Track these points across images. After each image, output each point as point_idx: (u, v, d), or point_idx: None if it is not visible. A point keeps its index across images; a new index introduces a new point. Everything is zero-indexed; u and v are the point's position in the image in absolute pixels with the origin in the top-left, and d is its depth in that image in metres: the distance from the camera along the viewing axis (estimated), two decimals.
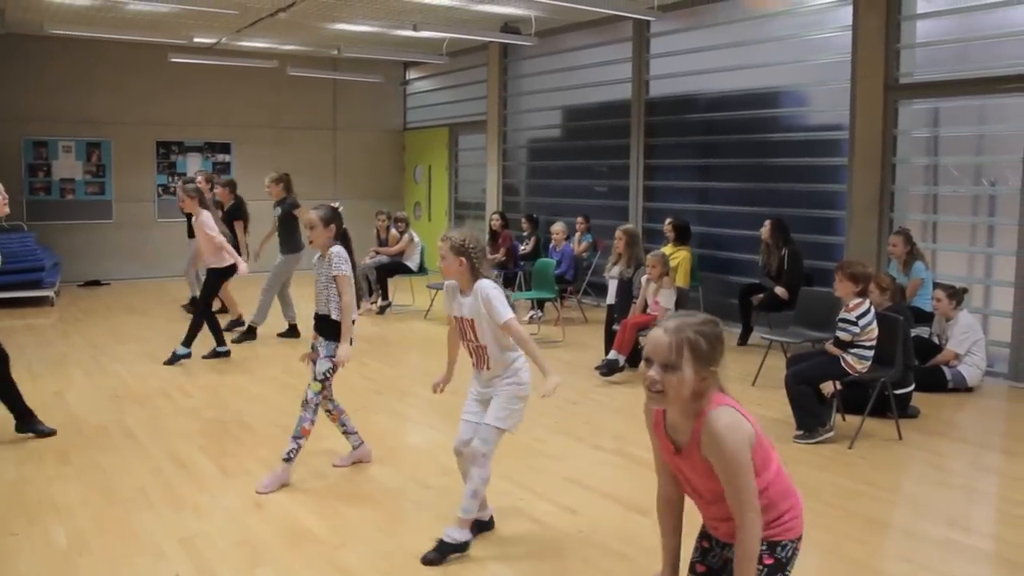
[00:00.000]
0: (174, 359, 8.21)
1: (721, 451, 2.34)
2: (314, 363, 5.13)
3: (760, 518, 2.36)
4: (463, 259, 4.11)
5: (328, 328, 5.08)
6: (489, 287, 4.10)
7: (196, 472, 5.32)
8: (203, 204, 8.44)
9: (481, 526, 4.35)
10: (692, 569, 2.66)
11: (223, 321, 10.00)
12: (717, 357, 2.39)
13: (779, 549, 2.46)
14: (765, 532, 2.43)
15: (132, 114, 14.46)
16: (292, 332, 9.50)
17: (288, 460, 5.06)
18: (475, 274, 4.14)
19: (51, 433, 5.94)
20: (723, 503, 2.45)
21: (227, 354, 8.46)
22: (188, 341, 8.27)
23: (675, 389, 2.37)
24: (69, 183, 14.24)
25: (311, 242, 5.15)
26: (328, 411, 5.26)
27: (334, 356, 5.05)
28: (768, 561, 2.45)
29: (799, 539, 2.48)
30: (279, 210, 9.46)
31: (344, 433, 5.38)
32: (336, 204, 5.29)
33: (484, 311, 4.08)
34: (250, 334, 9.30)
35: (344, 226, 5.21)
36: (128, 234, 14.41)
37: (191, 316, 8.69)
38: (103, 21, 11.94)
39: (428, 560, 4.01)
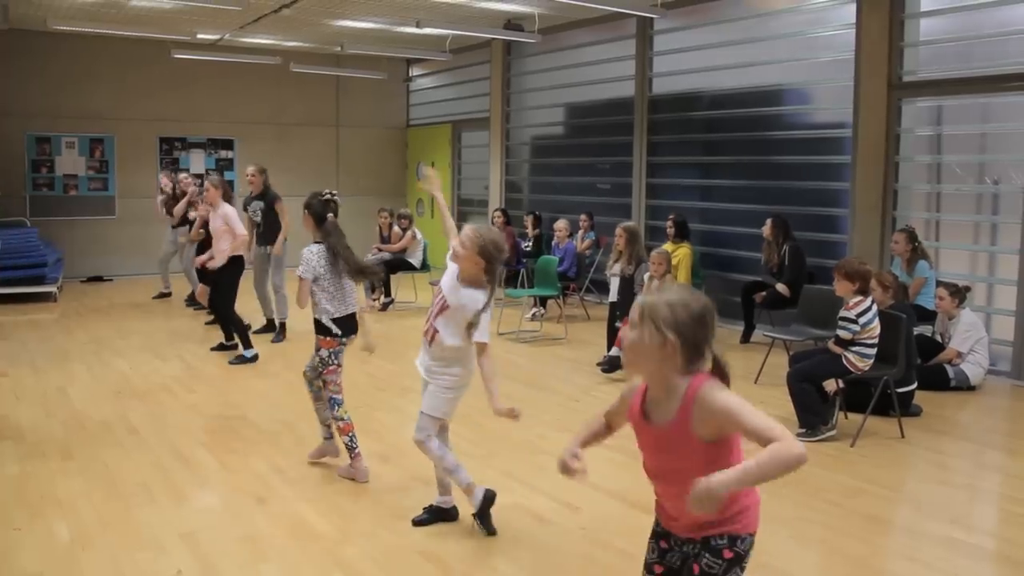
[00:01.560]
0: (240, 361, 8.18)
1: (725, 406, 2.33)
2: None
3: (794, 442, 2.26)
4: (483, 262, 4.06)
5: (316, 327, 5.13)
6: (485, 306, 4.09)
7: (198, 467, 5.32)
8: (227, 197, 8.42)
9: (441, 514, 4.47)
10: (649, 570, 2.63)
11: (204, 318, 10.01)
12: (680, 325, 2.35)
13: (739, 543, 2.44)
14: (728, 527, 2.42)
15: (135, 110, 14.46)
16: (270, 327, 9.46)
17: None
18: (486, 279, 4.11)
19: None
20: (685, 485, 2.35)
21: (235, 347, 8.46)
22: (245, 343, 8.28)
23: (632, 348, 2.41)
24: (72, 179, 14.25)
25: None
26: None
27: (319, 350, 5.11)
28: (728, 555, 2.43)
29: (755, 533, 2.48)
30: (260, 204, 9.21)
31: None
32: (326, 192, 5.18)
33: (463, 312, 4.10)
34: (282, 332, 9.24)
35: (328, 214, 5.10)
36: (131, 230, 14.39)
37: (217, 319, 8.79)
38: (106, 17, 11.94)
39: (416, 521, 4.39)
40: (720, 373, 2.43)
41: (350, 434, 5.07)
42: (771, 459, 2.22)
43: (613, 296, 8.48)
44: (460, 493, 4.41)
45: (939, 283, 7.63)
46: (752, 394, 7.16)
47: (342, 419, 5.08)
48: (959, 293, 7.34)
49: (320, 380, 5.13)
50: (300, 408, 6.41)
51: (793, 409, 6.03)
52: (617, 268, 8.42)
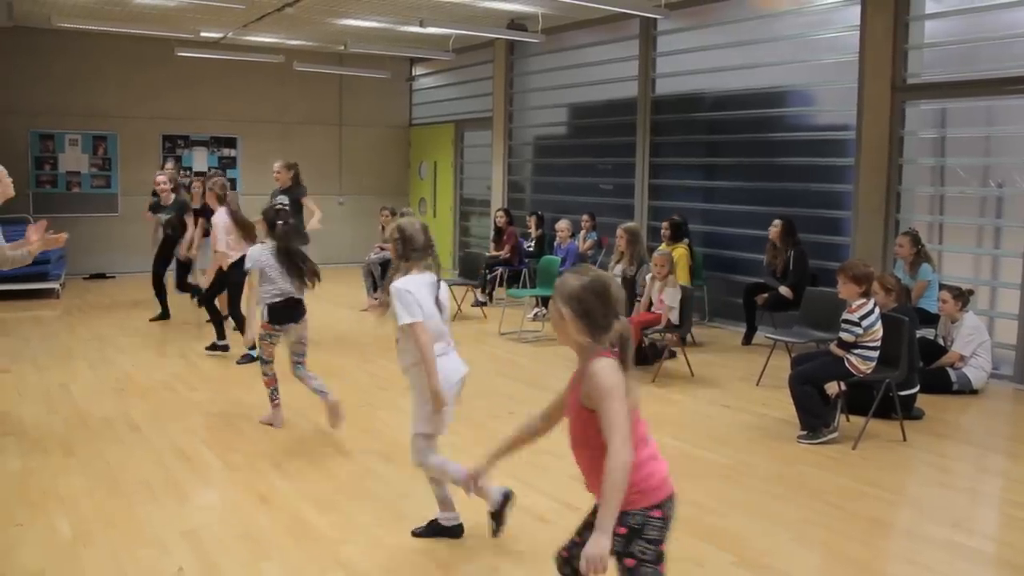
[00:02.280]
0: (247, 360, 8.08)
1: (597, 383, 2.55)
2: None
3: (629, 449, 2.50)
4: (392, 245, 4.28)
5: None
6: (397, 287, 4.11)
7: (200, 465, 5.33)
8: (223, 200, 8.34)
9: (440, 530, 4.31)
10: (586, 524, 2.83)
11: (205, 316, 10.09)
12: (573, 300, 2.62)
13: (629, 518, 2.57)
14: None
15: (138, 108, 14.48)
16: None
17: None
18: (397, 263, 4.26)
19: None
20: (585, 450, 2.67)
21: (226, 348, 8.47)
22: (219, 334, 8.43)
23: (550, 322, 2.78)
24: (75, 176, 14.27)
25: None
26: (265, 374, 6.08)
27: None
28: (620, 531, 2.53)
29: (654, 507, 2.62)
30: (285, 198, 9.08)
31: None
32: (276, 204, 6.14)
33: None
34: None
35: (278, 221, 5.94)
36: (133, 227, 14.31)
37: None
38: (110, 15, 11.95)
39: (415, 532, 4.31)
40: (621, 345, 2.64)
41: (272, 387, 6.08)
42: (613, 481, 2.47)
43: None
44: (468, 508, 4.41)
45: (942, 286, 7.62)
46: (754, 396, 7.15)
47: (266, 374, 6.06)
48: (962, 296, 7.33)
49: (297, 366, 5.98)
50: (302, 407, 6.42)
51: (795, 411, 6.03)
52: (619, 269, 8.42)
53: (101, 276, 14.06)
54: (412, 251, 4.20)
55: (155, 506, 4.65)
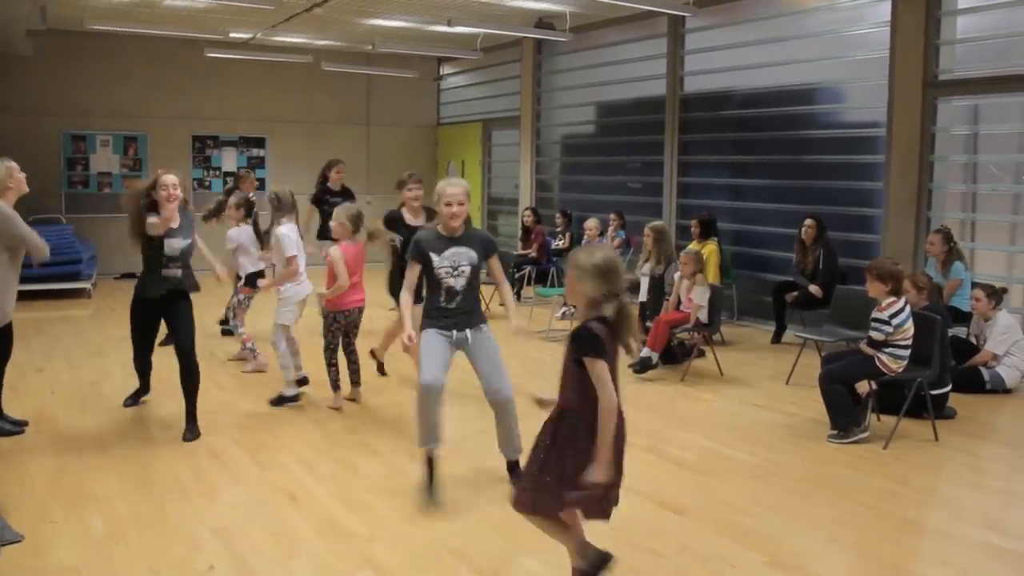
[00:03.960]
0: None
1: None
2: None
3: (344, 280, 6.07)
4: (270, 205, 6.83)
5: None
6: (282, 231, 6.56)
7: (231, 464, 5.37)
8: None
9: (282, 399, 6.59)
10: None
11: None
12: (342, 220, 6.15)
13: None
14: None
15: (168, 108, 14.62)
16: None
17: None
18: (276, 216, 6.72)
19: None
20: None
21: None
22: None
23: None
24: (106, 177, 14.44)
25: None
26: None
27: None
28: None
29: (330, 312, 6.10)
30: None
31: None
32: (251, 195, 8.59)
33: None
34: None
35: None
36: None
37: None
38: (141, 16, 12.07)
39: (272, 401, 6.63)
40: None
41: (250, 343, 7.76)
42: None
43: (643, 296, 8.45)
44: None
45: (975, 284, 7.53)
46: (783, 395, 7.10)
47: (243, 334, 7.82)
48: (996, 295, 7.24)
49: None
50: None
51: (825, 410, 5.99)
52: (647, 268, 8.39)
53: (132, 276, 14.12)
54: (285, 207, 6.69)
55: (186, 504, 4.69)
